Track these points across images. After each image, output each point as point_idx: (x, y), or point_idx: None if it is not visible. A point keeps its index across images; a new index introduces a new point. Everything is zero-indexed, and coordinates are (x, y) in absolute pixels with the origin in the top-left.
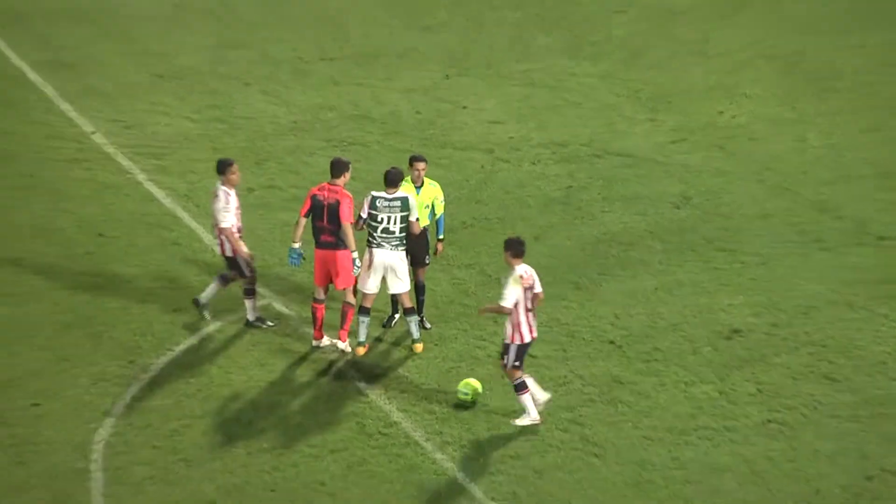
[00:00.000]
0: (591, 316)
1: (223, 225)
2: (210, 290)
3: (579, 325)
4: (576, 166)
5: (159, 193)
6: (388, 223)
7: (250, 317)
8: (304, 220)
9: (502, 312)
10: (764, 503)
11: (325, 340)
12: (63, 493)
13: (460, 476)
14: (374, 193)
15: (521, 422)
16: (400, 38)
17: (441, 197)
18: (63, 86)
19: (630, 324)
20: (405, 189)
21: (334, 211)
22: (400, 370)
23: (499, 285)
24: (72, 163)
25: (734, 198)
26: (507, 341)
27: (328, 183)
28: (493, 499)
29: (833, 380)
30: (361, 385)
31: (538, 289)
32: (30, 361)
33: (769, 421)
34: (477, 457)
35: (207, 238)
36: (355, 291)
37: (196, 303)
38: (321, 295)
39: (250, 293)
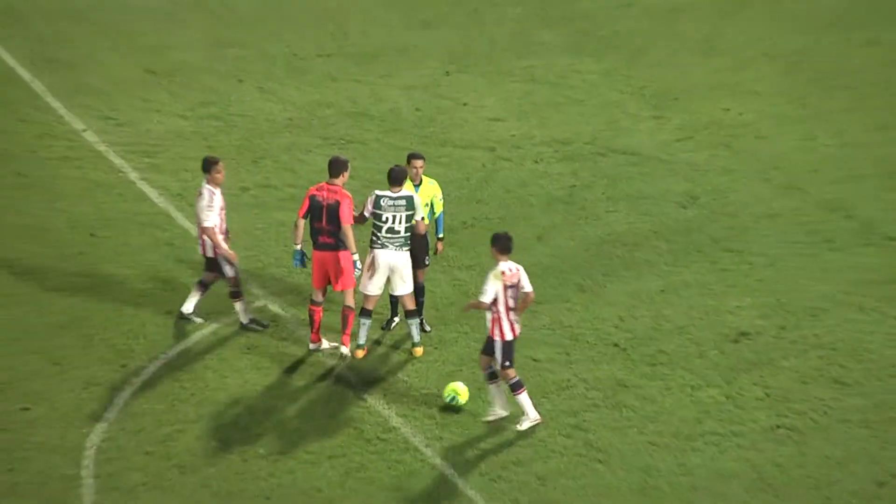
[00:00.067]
0: (595, 318)
1: (206, 224)
2: (192, 300)
3: (583, 328)
4: (579, 165)
5: (152, 192)
6: (394, 222)
7: (243, 319)
8: (302, 222)
9: (481, 308)
10: None
11: (323, 344)
12: (54, 499)
13: (461, 482)
14: (379, 192)
15: (524, 426)
16: (399, 34)
17: (440, 195)
18: (53, 82)
19: (635, 326)
20: (406, 188)
21: (334, 212)
22: (399, 374)
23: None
24: (63, 161)
25: (741, 197)
26: (489, 335)
27: (327, 183)
28: None
29: (843, 384)
30: (360, 389)
31: (528, 288)
32: (21, 364)
33: (777, 426)
34: (478, 462)
35: None
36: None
37: (181, 315)
38: (319, 297)
39: (236, 295)
